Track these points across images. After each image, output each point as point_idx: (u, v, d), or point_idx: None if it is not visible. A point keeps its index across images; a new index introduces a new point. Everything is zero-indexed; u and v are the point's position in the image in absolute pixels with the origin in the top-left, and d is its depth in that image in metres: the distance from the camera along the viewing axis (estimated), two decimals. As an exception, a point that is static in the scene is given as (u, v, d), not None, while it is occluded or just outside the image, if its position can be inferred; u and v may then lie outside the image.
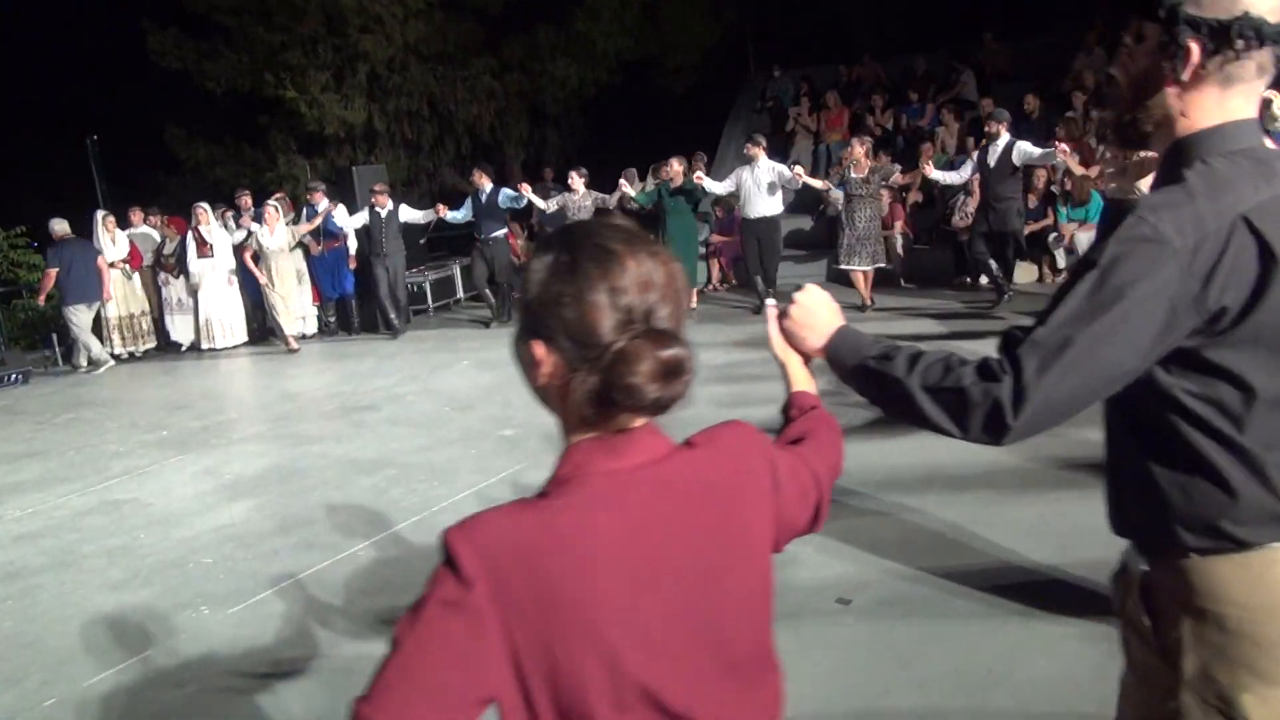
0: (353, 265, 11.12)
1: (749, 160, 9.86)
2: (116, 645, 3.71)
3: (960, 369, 1.32)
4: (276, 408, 7.84)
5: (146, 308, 11.11)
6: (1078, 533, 3.68)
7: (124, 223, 11.18)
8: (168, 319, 11.33)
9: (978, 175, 9.24)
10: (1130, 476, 1.46)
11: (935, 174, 9.66)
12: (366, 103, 15.70)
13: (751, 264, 10.09)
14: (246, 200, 11.43)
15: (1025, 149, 8.74)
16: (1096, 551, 3.44)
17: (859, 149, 9.56)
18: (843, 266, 9.63)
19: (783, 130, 14.54)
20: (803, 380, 1.49)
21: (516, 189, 10.68)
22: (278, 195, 11.54)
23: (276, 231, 10.57)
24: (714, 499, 1.07)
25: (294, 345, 10.49)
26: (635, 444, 1.04)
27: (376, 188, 10.81)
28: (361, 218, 10.88)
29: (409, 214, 10.90)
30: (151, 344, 11.14)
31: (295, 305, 10.89)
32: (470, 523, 0.97)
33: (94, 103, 19.14)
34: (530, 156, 17.22)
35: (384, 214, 10.61)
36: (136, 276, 11.01)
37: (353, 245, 11.05)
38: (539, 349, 1.03)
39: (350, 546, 4.49)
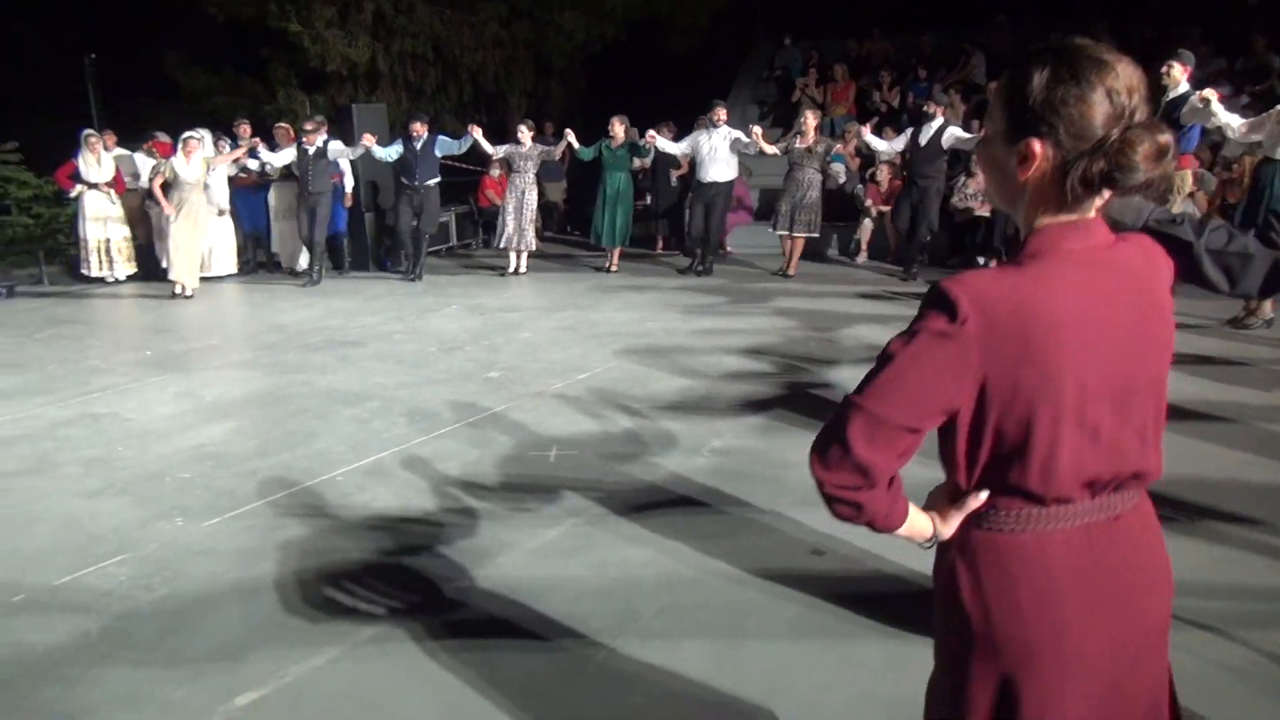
0: (348, 204, 11.05)
1: (712, 124, 10.20)
2: (88, 549, 3.71)
3: (1241, 237, 1.53)
4: (262, 337, 7.80)
5: (129, 234, 10.91)
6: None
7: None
8: (158, 245, 11.19)
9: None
10: None
11: (870, 138, 10.06)
12: (371, 41, 15.50)
13: (695, 226, 10.40)
14: (245, 129, 11.27)
15: (956, 133, 9.23)
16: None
17: (811, 120, 10.03)
18: (778, 231, 10.03)
19: (789, 100, 14.45)
20: None
21: (466, 132, 10.56)
22: (280, 125, 11.37)
23: (193, 161, 9.99)
24: (1144, 282, 1.31)
25: (180, 290, 9.80)
26: (1092, 230, 1.28)
27: (308, 126, 10.46)
28: (288, 154, 10.58)
29: (339, 149, 10.46)
30: (132, 269, 10.97)
31: (197, 245, 10.10)
32: (962, 276, 1.23)
33: (93, 21, 18.78)
34: (533, 108, 17.04)
35: (311, 151, 10.25)
36: (119, 201, 10.81)
37: (349, 183, 10.96)
38: (1037, 145, 1.25)
39: (328, 472, 4.48)
